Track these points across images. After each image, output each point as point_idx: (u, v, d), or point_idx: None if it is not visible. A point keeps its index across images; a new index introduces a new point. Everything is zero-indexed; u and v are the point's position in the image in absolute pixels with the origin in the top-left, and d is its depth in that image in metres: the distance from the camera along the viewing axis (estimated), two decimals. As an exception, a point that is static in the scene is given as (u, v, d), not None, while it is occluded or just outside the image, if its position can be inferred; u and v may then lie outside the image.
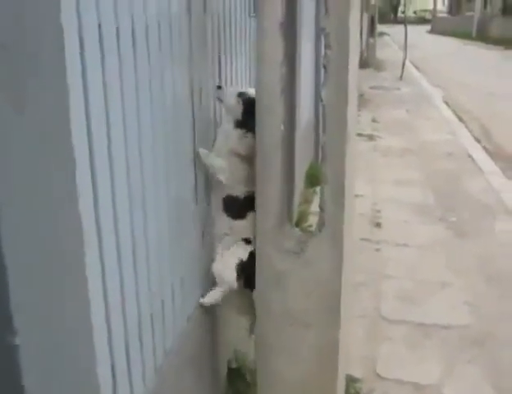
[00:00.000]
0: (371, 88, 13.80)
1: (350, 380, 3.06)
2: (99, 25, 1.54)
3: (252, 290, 2.53)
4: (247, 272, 2.52)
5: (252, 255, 2.49)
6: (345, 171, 2.20)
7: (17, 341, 1.16)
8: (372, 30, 20.16)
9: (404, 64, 16.09)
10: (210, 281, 2.70)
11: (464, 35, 35.98)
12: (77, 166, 1.40)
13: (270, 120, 2.25)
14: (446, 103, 12.20)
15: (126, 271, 1.78)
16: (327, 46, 2.11)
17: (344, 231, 2.27)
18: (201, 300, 2.53)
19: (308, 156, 6.14)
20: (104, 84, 1.58)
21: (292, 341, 2.48)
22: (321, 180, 2.28)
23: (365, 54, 17.98)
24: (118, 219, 1.70)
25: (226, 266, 2.56)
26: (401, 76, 15.76)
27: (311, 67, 5.99)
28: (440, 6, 61.04)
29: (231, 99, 2.47)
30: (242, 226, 2.56)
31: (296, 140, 2.83)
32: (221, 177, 2.49)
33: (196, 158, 2.42)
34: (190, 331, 2.42)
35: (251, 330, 2.73)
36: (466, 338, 3.57)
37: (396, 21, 50.96)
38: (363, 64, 15.77)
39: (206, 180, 2.55)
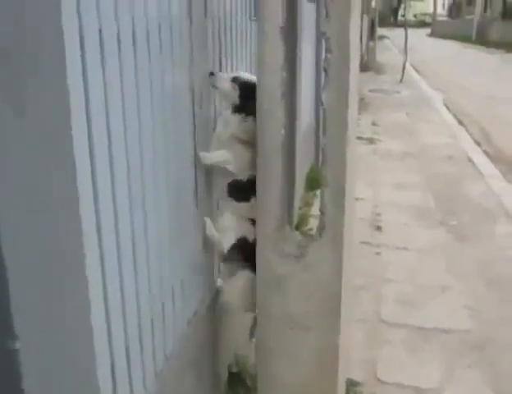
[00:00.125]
0: (371, 91, 13.81)
1: (351, 384, 3.05)
2: (100, 28, 1.54)
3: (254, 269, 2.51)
4: (251, 255, 2.49)
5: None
6: (345, 174, 2.20)
7: (17, 345, 1.16)
8: (372, 34, 20.18)
9: (404, 67, 16.10)
10: (211, 285, 2.70)
11: (463, 39, 36.03)
12: (77, 167, 1.40)
13: (271, 124, 2.26)
14: (446, 107, 12.21)
15: (126, 273, 1.78)
16: (328, 50, 2.11)
17: (344, 234, 2.27)
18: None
19: (308, 159, 6.14)
20: (105, 85, 1.58)
21: (292, 345, 2.48)
22: (321, 184, 2.28)
23: (365, 57, 17.98)
24: (118, 221, 1.70)
25: (231, 227, 2.56)
26: (401, 79, 15.78)
27: (311, 70, 5.99)
28: (440, 10, 61.07)
29: (226, 84, 2.45)
30: (246, 207, 2.54)
31: (297, 144, 2.83)
32: (229, 167, 2.47)
33: (197, 160, 2.41)
34: (191, 334, 2.42)
35: (251, 334, 2.73)
36: (466, 342, 3.56)
37: (396, 24, 51.03)
38: (364, 67, 15.78)
39: (206, 182, 2.55)
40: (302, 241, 2.37)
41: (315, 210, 5.18)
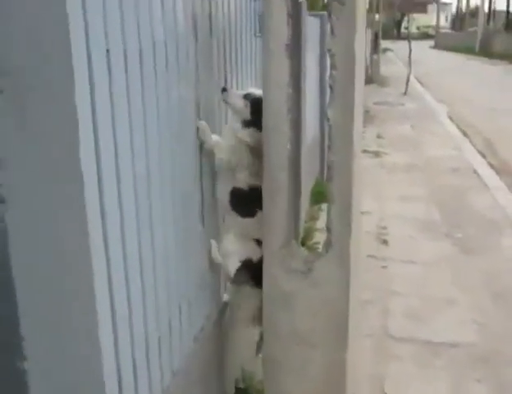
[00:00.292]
0: (375, 104, 13.83)
1: (358, 400, 3.03)
2: (107, 49, 1.56)
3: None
4: (257, 272, 2.49)
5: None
6: (351, 190, 2.20)
7: (26, 365, 1.17)
8: (375, 46, 20.26)
9: (408, 79, 16.14)
10: (217, 301, 2.70)
11: (467, 50, 36.14)
12: (85, 182, 1.40)
13: (277, 139, 2.27)
14: (451, 119, 12.21)
15: (134, 291, 1.78)
16: (333, 66, 2.12)
17: (351, 250, 2.27)
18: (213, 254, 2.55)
19: (313, 172, 6.14)
20: (112, 103, 1.59)
21: (300, 361, 2.47)
22: (327, 198, 2.29)
23: (369, 70, 18.04)
24: (126, 240, 1.70)
25: (235, 252, 2.57)
26: (405, 92, 15.81)
27: (315, 84, 6.01)
28: (442, 22, 61.31)
29: (238, 101, 2.49)
30: (251, 224, 2.55)
31: (302, 158, 2.84)
32: (221, 154, 2.48)
33: (202, 178, 2.42)
34: (197, 351, 2.41)
35: (258, 349, 2.72)
36: (474, 356, 3.54)
37: (399, 37, 51.17)
38: (368, 80, 15.82)
39: (212, 200, 2.56)
40: (309, 257, 2.38)
41: (320, 224, 5.18)
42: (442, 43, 45.80)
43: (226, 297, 2.82)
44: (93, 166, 1.49)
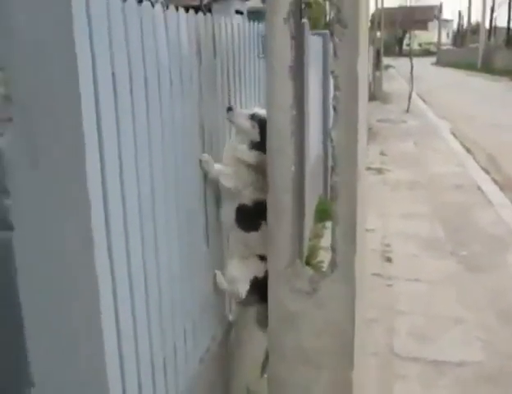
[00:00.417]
0: (378, 121, 13.88)
1: (364, 420, 3.01)
2: (113, 73, 1.58)
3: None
4: (263, 289, 2.49)
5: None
6: (356, 210, 2.21)
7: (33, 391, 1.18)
8: (378, 63, 20.37)
9: (410, 96, 16.20)
10: (222, 321, 2.70)
11: (468, 67, 36.30)
12: (92, 212, 1.42)
13: (281, 161, 2.28)
14: (454, 135, 12.23)
15: (139, 314, 1.79)
16: (337, 87, 2.14)
17: (356, 270, 2.27)
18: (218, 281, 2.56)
19: (316, 191, 6.15)
20: (118, 129, 1.61)
21: (305, 381, 2.46)
22: (331, 216, 2.29)
23: (372, 87, 18.12)
24: (131, 265, 1.72)
25: (241, 277, 2.56)
26: (408, 109, 15.85)
27: (318, 102, 6.04)
28: (444, 39, 61.66)
29: (244, 121, 2.47)
30: (255, 239, 2.54)
31: (306, 178, 2.85)
32: (228, 184, 2.47)
33: (206, 198, 2.43)
34: (203, 372, 2.41)
35: (263, 369, 2.71)
36: (480, 376, 3.51)
37: (401, 54, 51.43)
38: (370, 97, 15.85)
39: (216, 222, 2.56)
40: (314, 277, 2.37)
41: (325, 241, 5.17)
42: (444, 59, 46.06)
43: (231, 317, 2.81)
44: (98, 188, 1.50)
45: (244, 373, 2.94)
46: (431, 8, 64.22)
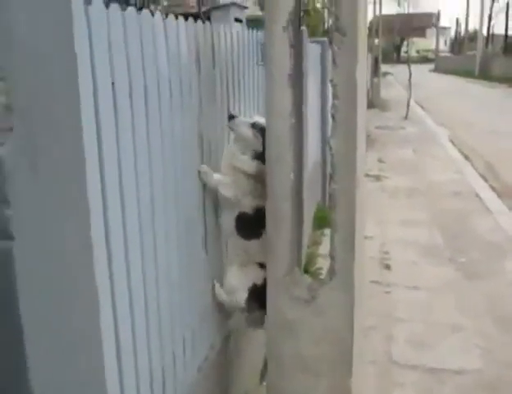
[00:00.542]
0: (376, 128, 13.89)
1: (363, 428, 3.00)
2: (113, 83, 1.59)
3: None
4: (262, 297, 2.49)
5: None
6: (354, 218, 2.21)
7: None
8: (376, 70, 20.42)
9: (408, 103, 16.23)
10: (221, 330, 2.69)
11: (466, 74, 36.42)
12: (92, 220, 1.42)
13: (280, 169, 2.28)
14: (452, 142, 12.25)
15: (138, 323, 1.79)
16: (335, 96, 2.15)
17: (355, 278, 2.27)
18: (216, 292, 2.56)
19: (315, 198, 6.15)
20: (117, 137, 1.62)
21: (304, 389, 2.46)
22: (329, 223, 2.29)
23: (370, 94, 18.16)
24: (130, 274, 1.72)
25: (239, 286, 2.56)
26: (406, 116, 15.88)
27: (317, 109, 6.05)
28: (442, 46, 61.86)
29: (246, 130, 2.45)
30: (256, 247, 2.54)
31: (304, 186, 2.85)
32: (227, 193, 2.46)
33: (205, 206, 2.43)
34: (201, 381, 2.40)
35: (262, 377, 2.71)
36: (479, 383, 3.51)
37: (399, 61, 51.57)
38: (369, 104, 15.86)
39: (215, 231, 2.56)
40: (312, 285, 2.37)
41: (323, 249, 5.17)
42: (442, 66, 46.21)
43: (229, 325, 2.81)
44: (99, 198, 1.51)
45: (242, 381, 2.93)
46: (429, 15, 64.48)
